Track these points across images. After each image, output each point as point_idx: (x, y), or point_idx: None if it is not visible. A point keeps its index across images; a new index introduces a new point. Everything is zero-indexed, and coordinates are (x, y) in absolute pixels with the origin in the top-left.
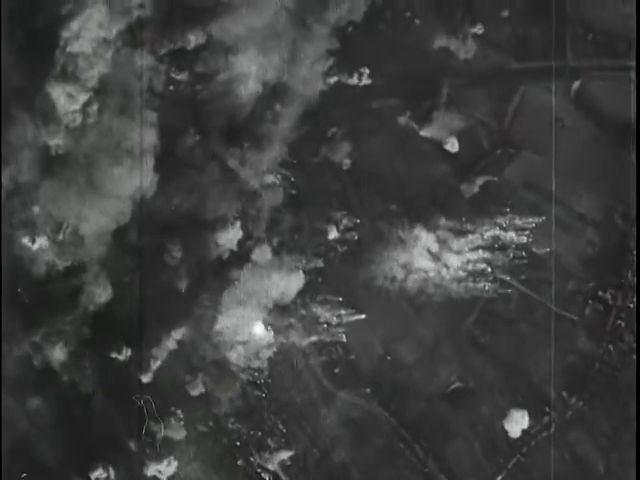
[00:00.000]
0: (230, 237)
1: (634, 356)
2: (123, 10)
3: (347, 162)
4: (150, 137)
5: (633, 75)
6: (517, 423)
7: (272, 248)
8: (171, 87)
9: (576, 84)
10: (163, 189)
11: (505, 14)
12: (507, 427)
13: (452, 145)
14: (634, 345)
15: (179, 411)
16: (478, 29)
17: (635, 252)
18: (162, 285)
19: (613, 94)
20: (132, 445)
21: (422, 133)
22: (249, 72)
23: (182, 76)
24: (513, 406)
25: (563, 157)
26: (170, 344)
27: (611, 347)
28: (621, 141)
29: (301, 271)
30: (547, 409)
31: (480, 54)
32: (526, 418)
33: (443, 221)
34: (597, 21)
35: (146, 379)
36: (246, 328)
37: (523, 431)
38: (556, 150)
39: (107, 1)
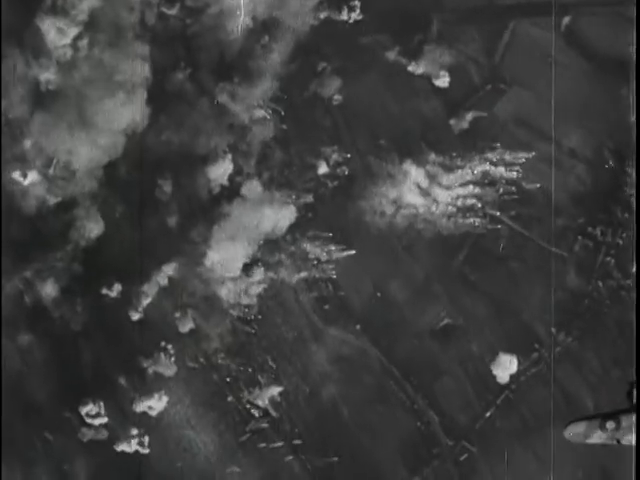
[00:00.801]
0: (221, 172)
1: (622, 292)
2: None
3: (337, 97)
4: (142, 70)
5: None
6: (505, 368)
7: (262, 183)
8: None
9: (566, 19)
10: (154, 123)
11: None
12: (495, 372)
13: (442, 80)
14: (622, 282)
15: (169, 346)
16: None
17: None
18: (153, 220)
19: (603, 29)
20: (122, 381)
21: (411, 69)
22: (239, 5)
23: (173, 10)
24: (502, 347)
25: (554, 93)
26: (161, 280)
27: (600, 284)
28: (612, 77)
29: (292, 205)
30: (536, 345)
31: None
32: (515, 363)
33: (432, 156)
34: None
35: (136, 316)
36: (235, 265)
37: (511, 376)
38: (547, 86)
39: None
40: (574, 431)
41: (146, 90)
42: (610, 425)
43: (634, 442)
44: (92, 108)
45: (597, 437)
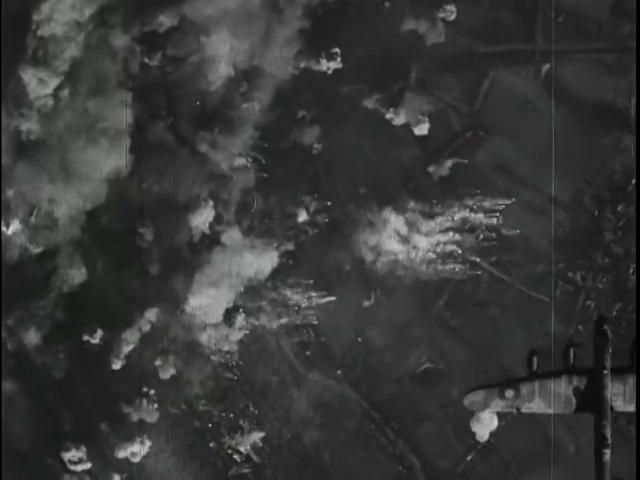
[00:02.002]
0: (202, 219)
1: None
2: None
3: (317, 146)
4: (126, 117)
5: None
6: (485, 425)
7: (242, 231)
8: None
9: (546, 67)
10: (136, 171)
11: None
12: (475, 429)
13: (422, 128)
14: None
15: (151, 392)
16: (448, 13)
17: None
18: (135, 268)
19: (583, 77)
20: (104, 427)
21: (390, 117)
22: (220, 55)
23: (154, 60)
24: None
25: (533, 140)
26: (143, 326)
27: (581, 328)
28: (591, 123)
29: (274, 250)
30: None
31: (450, 38)
32: (495, 419)
33: (412, 204)
34: (568, 4)
35: (118, 363)
36: (217, 311)
37: (491, 433)
38: (526, 133)
39: None
40: (473, 400)
41: (129, 137)
42: (509, 393)
43: (552, 411)
44: (75, 156)
45: (496, 405)
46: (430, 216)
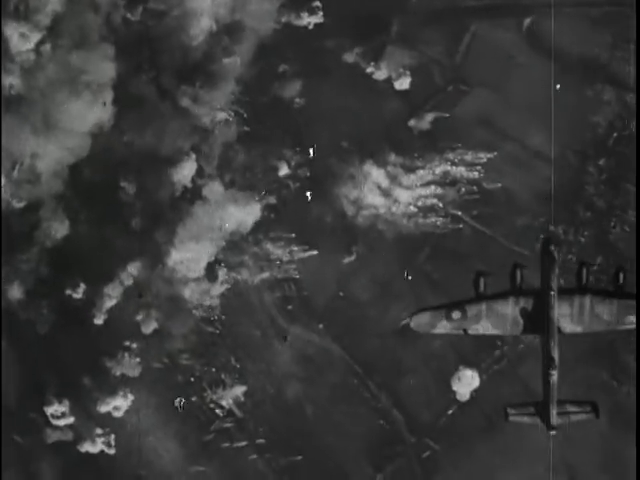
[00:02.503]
0: (184, 173)
1: None
2: None
3: (298, 100)
4: (108, 71)
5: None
6: (466, 384)
7: (224, 185)
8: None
9: (527, 21)
10: (119, 125)
11: None
12: (455, 388)
13: (403, 82)
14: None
15: (134, 346)
16: None
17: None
18: (117, 222)
19: (566, 30)
20: (87, 382)
21: (371, 70)
22: (202, 8)
23: (136, 14)
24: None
25: (516, 94)
26: (125, 280)
27: (562, 282)
28: (574, 77)
29: (257, 203)
30: (499, 343)
31: None
32: (476, 378)
33: (393, 157)
34: None
35: (101, 317)
36: (199, 265)
37: (472, 392)
38: (509, 87)
39: None
40: (419, 321)
41: (112, 90)
42: (456, 315)
43: (498, 331)
44: (58, 110)
45: (442, 327)
46: (411, 170)
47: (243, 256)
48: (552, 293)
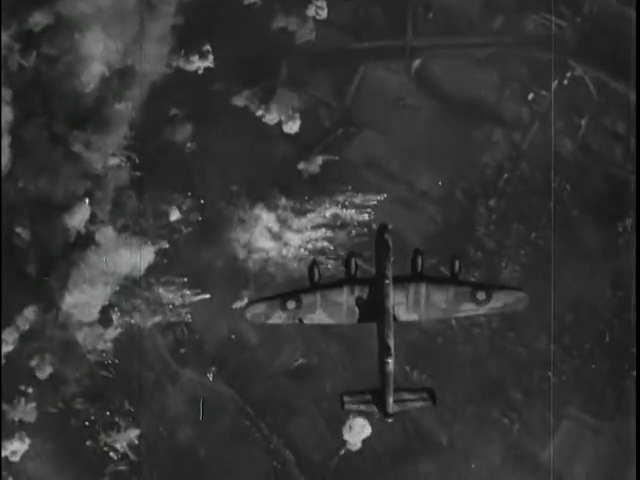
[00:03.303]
0: (78, 219)
1: (476, 330)
2: None
3: (189, 145)
4: (6, 115)
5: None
6: (357, 433)
7: (117, 229)
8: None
9: (416, 62)
10: (12, 170)
11: None
12: (347, 437)
13: (292, 126)
14: (476, 320)
15: (30, 391)
16: (319, 10)
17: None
18: (12, 267)
19: (453, 72)
20: None
21: (261, 113)
22: (94, 54)
23: (29, 59)
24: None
25: (404, 135)
26: (21, 326)
27: (453, 322)
28: (460, 118)
29: (151, 246)
30: None
31: (321, 34)
32: (368, 428)
33: (283, 201)
34: (438, 0)
35: None
36: (92, 310)
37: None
38: (397, 128)
39: None
40: (254, 312)
41: (9, 134)
42: (291, 305)
43: (334, 321)
44: None
45: (278, 317)
46: (301, 213)
47: (136, 300)
48: (387, 281)
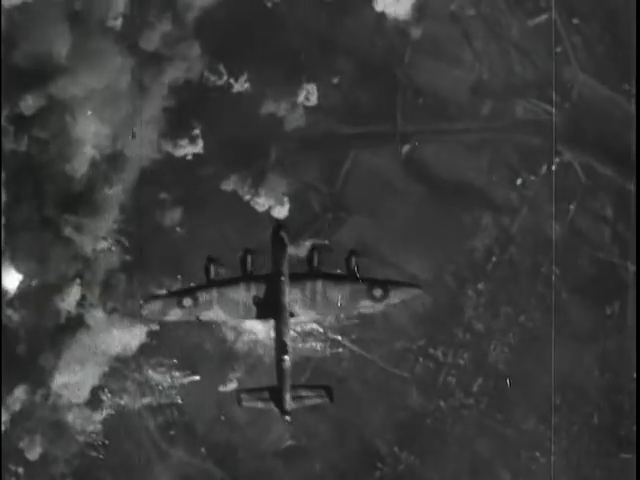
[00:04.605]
0: (68, 300)
1: (464, 411)
2: None
3: (179, 229)
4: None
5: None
6: None
7: (107, 311)
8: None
9: (406, 148)
10: (4, 254)
11: (335, 80)
12: None
13: (281, 210)
14: (464, 401)
15: (20, 471)
16: (308, 96)
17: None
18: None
19: (443, 157)
20: None
21: (249, 198)
22: (85, 138)
23: (22, 143)
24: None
25: (394, 220)
26: (11, 406)
27: (442, 403)
28: (449, 202)
29: (142, 325)
30: (379, 464)
31: (311, 120)
32: None
33: None
34: (427, 85)
35: None
36: (82, 391)
37: None
38: (387, 213)
39: None
40: (150, 309)
41: (4, 216)
42: (187, 302)
43: (230, 318)
44: None
45: (174, 314)
46: None
47: (125, 382)
48: (282, 278)
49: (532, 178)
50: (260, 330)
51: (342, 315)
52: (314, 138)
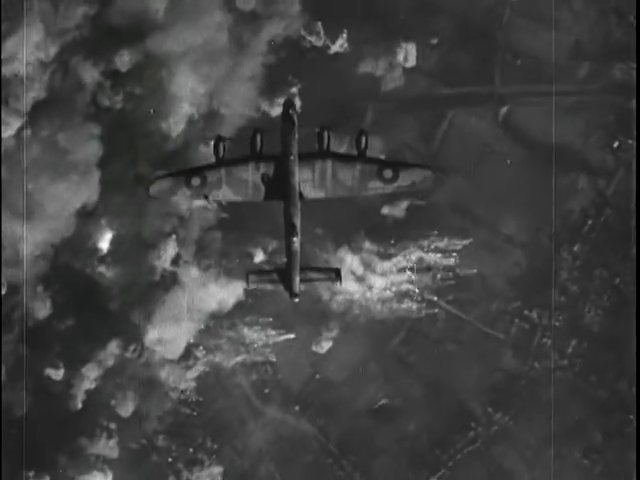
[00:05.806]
0: (163, 257)
1: (559, 373)
2: (59, 31)
3: None
4: (95, 150)
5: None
6: None
7: (201, 270)
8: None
9: (504, 109)
10: (99, 208)
11: (434, 41)
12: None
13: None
14: (559, 362)
15: (112, 427)
16: (407, 56)
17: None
18: (96, 304)
19: (540, 119)
20: (64, 461)
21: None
22: (184, 93)
23: (117, 98)
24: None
25: (491, 181)
26: (104, 362)
27: (536, 364)
28: (547, 165)
29: (238, 283)
30: (473, 424)
31: (408, 80)
32: None
33: (367, 244)
34: (526, 47)
35: (80, 398)
36: (177, 347)
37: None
38: (484, 174)
39: (45, 22)
40: (159, 188)
41: (99, 170)
42: (195, 181)
43: (239, 198)
44: (43, 190)
45: (183, 194)
46: (386, 256)
47: (219, 339)
48: (292, 158)
49: (629, 141)
50: (356, 291)
51: (438, 276)
52: (411, 98)
